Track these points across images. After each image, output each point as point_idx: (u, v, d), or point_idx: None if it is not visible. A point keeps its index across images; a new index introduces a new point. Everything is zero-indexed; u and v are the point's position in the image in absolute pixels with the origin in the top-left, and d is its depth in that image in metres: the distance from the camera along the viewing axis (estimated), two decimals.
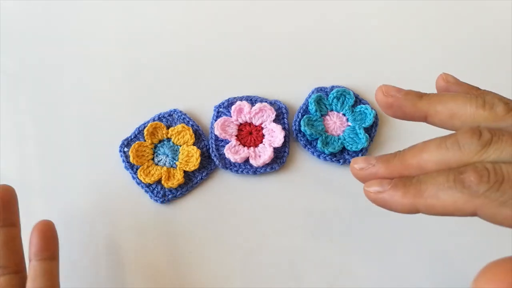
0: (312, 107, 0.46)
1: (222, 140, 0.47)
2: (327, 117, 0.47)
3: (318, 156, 0.46)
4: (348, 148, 0.45)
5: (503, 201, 0.20)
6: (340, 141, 0.46)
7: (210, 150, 0.47)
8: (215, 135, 0.47)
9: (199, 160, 0.45)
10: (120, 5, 0.53)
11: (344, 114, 0.47)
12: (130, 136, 0.47)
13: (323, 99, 0.47)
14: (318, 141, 0.45)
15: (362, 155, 0.46)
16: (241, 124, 0.48)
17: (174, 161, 0.46)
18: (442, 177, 0.22)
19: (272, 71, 0.50)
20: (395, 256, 0.44)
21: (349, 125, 0.47)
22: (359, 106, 0.47)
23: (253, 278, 0.44)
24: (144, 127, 0.47)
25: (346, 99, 0.47)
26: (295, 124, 0.47)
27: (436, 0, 0.52)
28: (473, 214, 0.22)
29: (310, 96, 0.47)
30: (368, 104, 0.47)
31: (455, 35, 0.51)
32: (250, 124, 0.48)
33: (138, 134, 0.47)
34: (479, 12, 0.52)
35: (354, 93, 0.47)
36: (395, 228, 0.45)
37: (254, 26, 0.52)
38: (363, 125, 0.46)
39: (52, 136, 0.48)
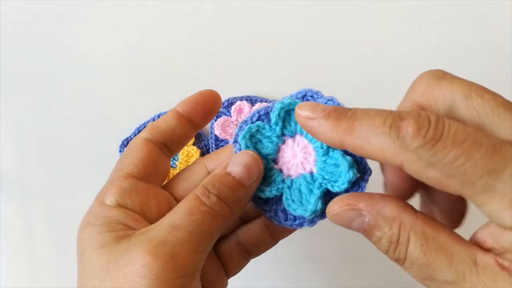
0: (273, 117, 0.27)
1: (222, 140, 0.47)
2: (289, 141, 0.28)
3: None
4: (286, 206, 0.27)
5: (431, 163, 0.19)
6: (282, 186, 0.27)
7: (210, 150, 0.47)
8: (215, 135, 0.47)
9: None
10: (121, 6, 0.53)
11: (315, 149, 0.27)
12: (130, 136, 0.47)
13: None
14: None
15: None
16: None
17: (174, 161, 0.46)
18: (379, 118, 0.20)
19: (272, 71, 0.50)
20: None
21: (312, 172, 0.27)
22: (335, 152, 0.26)
23: (253, 277, 0.44)
24: (144, 127, 0.47)
25: None
26: (236, 135, 0.28)
27: (435, 0, 0.52)
28: (399, 166, 0.20)
29: (282, 101, 0.27)
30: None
31: (455, 35, 0.51)
32: None
33: (138, 134, 0.47)
34: (475, 12, 0.52)
35: None
36: None
37: (254, 26, 0.52)
38: (331, 184, 0.26)
39: (52, 136, 0.48)
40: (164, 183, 0.28)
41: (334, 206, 0.23)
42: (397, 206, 0.22)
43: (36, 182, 0.47)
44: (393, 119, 0.20)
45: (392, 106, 0.48)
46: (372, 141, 0.20)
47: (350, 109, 0.22)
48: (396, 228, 0.21)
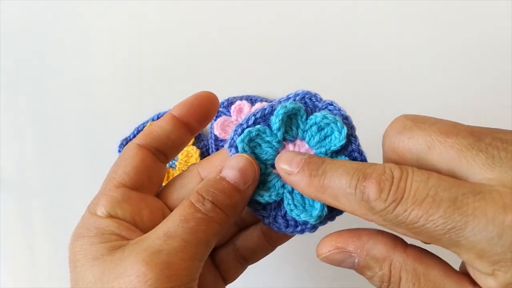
0: (276, 122, 0.26)
1: (222, 140, 0.47)
2: (290, 146, 0.27)
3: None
4: (288, 211, 0.26)
5: (396, 223, 0.20)
6: (282, 191, 0.26)
7: (210, 150, 0.46)
8: (215, 135, 0.47)
9: (198, 160, 0.45)
10: (120, 6, 0.53)
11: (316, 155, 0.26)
12: (129, 136, 0.47)
13: (300, 116, 0.27)
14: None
15: (315, 225, 0.26)
16: None
17: (174, 161, 0.46)
18: (346, 177, 0.21)
19: (272, 71, 0.50)
20: None
21: None
22: (338, 157, 0.26)
23: (252, 277, 0.44)
24: (143, 127, 0.47)
25: (333, 136, 0.26)
26: (232, 139, 0.27)
27: (434, 1, 0.52)
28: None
29: (283, 103, 0.27)
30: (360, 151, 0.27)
31: (455, 35, 0.51)
32: None
33: (137, 134, 0.47)
34: (473, 12, 0.52)
35: (348, 129, 0.26)
36: None
37: (254, 26, 0.52)
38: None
39: (51, 136, 0.48)
40: (158, 192, 0.28)
41: (323, 250, 0.23)
42: (386, 245, 0.22)
43: (35, 182, 0.47)
44: (357, 180, 0.21)
45: (392, 106, 0.48)
46: (341, 201, 0.21)
47: (321, 164, 0.23)
48: (387, 269, 0.22)
